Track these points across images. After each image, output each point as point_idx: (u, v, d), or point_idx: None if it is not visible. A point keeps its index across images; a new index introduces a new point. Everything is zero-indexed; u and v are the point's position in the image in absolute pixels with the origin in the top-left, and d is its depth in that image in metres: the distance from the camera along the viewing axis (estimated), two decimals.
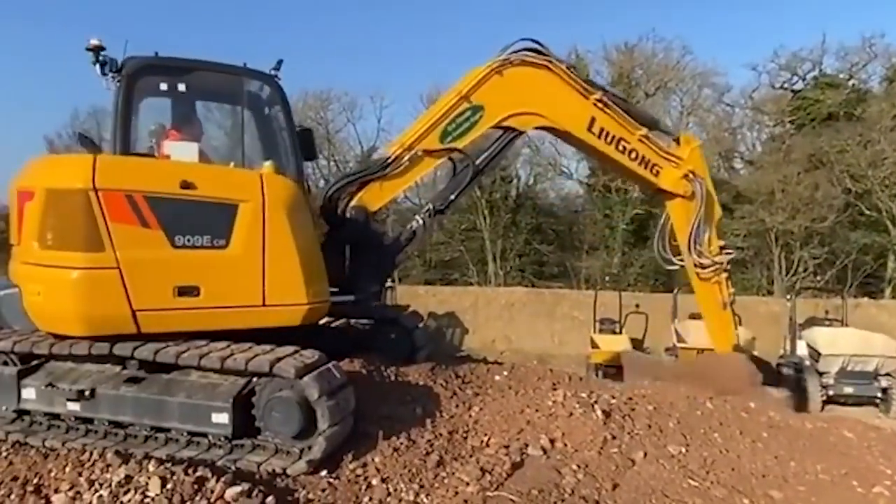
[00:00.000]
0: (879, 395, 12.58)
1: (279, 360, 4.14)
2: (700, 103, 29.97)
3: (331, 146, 29.73)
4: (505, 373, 6.12)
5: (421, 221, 6.39)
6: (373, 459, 4.16)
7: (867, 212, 24.39)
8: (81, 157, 4.58)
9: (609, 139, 6.62)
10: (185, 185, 4.48)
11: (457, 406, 5.09)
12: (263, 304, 4.65)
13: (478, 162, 6.45)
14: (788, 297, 16.57)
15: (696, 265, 7.25)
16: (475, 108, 6.15)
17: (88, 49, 5.01)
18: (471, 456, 4.30)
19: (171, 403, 4.31)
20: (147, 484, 3.48)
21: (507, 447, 4.38)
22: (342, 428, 4.18)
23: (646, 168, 6.92)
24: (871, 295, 22.69)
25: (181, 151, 5.02)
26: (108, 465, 3.68)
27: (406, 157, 6.05)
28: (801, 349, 13.66)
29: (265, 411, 4.18)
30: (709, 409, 5.31)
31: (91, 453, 3.86)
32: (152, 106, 5.58)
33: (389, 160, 6.09)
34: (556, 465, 4.05)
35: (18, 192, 4.58)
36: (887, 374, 12.49)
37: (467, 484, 3.74)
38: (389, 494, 3.76)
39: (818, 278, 24.80)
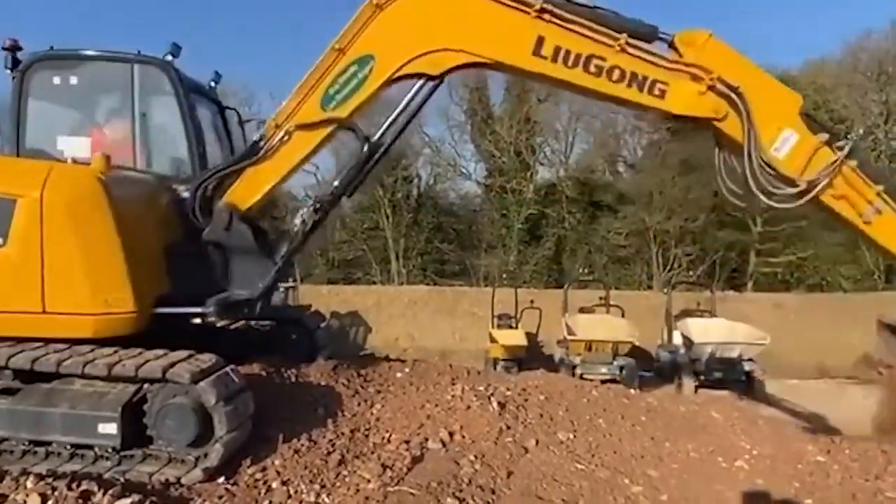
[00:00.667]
0: (743, 378, 13.84)
1: (172, 364, 4.01)
2: (587, 110, 31.57)
3: None
4: (406, 370, 6.22)
5: (301, 219, 5.15)
6: (273, 462, 4.13)
7: (732, 213, 26.72)
8: None
9: (570, 61, 4.60)
10: None
11: (359, 404, 5.14)
12: (43, 311, 4.27)
13: (380, 133, 5.00)
14: (665, 291, 17.99)
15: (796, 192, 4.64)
16: (362, 61, 4.66)
17: (5, 48, 4.94)
18: (372, 453, 4.36)
19: (53, 415, 4.06)
20: (25, 502, 3.28)
21: (407, 442, 4.49)
22: (240, 433, 4.12)
23: (642, 90, 4.67)
24: (736, 288, 24.96)
25: (74, 147, 4.75)
26: None
27: (278, 137, 4.79)
28: (677, 339, 14.83)
29: (158, 419, 4.04)
30: (594, 396, 5.69)
31: None
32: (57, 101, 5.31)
33: (260, 143, 4.88)
34: (455, 457, 4.22)
35: None
36: (749, 360, 13.82)
37: (368, 481, 3.81)
38: (290, 497, 3.76)
39: (691, 273, 26.89)
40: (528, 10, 4.52)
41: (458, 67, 4.80)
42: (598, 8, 4.64)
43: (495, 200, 27.64)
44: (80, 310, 4.29)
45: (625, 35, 4.56)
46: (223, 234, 4.89)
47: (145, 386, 4.17)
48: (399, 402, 5.21)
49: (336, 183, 5.22)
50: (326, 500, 3.73)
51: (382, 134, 5.04)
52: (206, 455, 4.01)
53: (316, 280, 24.11)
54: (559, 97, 30.63)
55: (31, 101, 4.99)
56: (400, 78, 4.79)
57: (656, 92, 4.69)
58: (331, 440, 4.49)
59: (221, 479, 3.94)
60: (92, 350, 4.25)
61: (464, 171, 29.18)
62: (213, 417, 3.96)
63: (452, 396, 5.14)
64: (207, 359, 4.24)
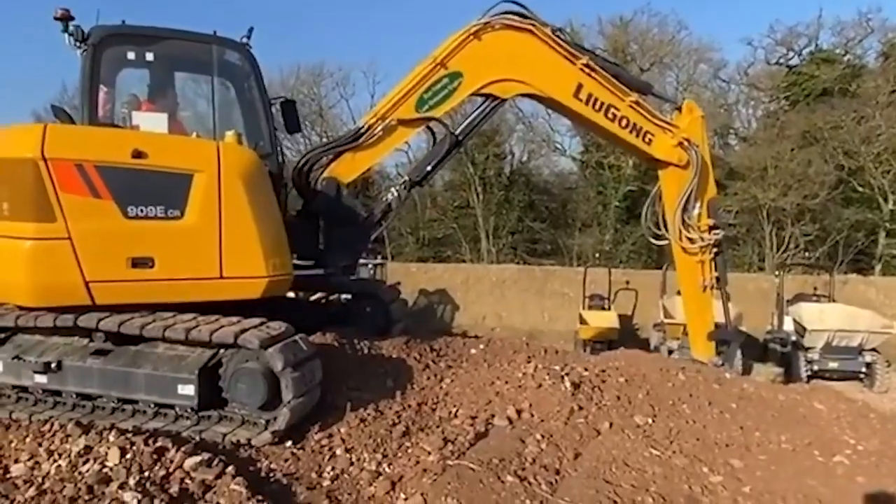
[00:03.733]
0: (863, 370, 12.64)
1: (244, 331, 4.13)
2: (696, 79, 29.73)
3: (323, 122, 29.44)
4: (481, 346, 6.12)
5: (396, 194, 6.20)
6: (338, 430, 4.17)
7: (860, 188, 24.32)
8: (31, 127, 4.54)
9: (597, 106, 6.27)
10: (137, 155, 4.36)
11: (428, 378, 5.10)
12: (221, 277, 4.54)
13: (457, 132, 6.19)
14: (777, 273, 16.67)
15: (681, 239, 6.91)
16: (453, 76, 5.88)
17: (56, 18, 4.94)
18: (437, 427, 4.30)
19: (138, 375, 4.30)
20: (106, 454, 3.48)
21: (473, 418, 4.40)
22: (308, 399, 4.19)
23: (638, 136, 6.52)
24: (862, 272, 22.74)
25: (150, 122, 4.96)
26: (68, 436, 3.68)
27: (380, 127, 5.83)
28: (788, 325, 13.73)
29: (231, 382, 4.19)
30: (681, 380, 5.31)
31: (52, 424, 3.87)
32: (131, 77, 5.53)
33: (362, 130, 5.88)
34: (521, 435, 4.06)
35: None
36: (872, 350, 12.58)
37: (429, 453, 3.75)
38: (352, 464, 3.77)
39: (808, 255, 24.82)
40: (575, 62, 6.17)
41: (520, 95, 6.33)
42: (618, 65, 6.91)
43: (591, 177, 26.71)
44: (255, 273, 4.64)
45: (633, 94, 6.45)
46: (331, 204, 5.74)
47: (221, 351, 4.33)
48: (469, 378, 5.12)
49: (427, 168, 6.27)
50: (387, 469, 3.71)
51: (460, 134, 6.24)
52: (274, 419, 4.11)
53: (406, 258, 24.47)
54: (663, 66, 29.20)
55: (105, 74, 5.13)
56: (478, 94, 6.13)
57: (646, 139, 6.60)
58: (397, 412, 4.48)
59: (289, 443, 4.02)
60: (173, 316, 4.46)
61: (558, 146, 28.40)
62: (280, 382, 4.04)
63: (524, 374, 4.97)
64: (277, 326, 4.33)
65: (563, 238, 26.20)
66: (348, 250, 6.01)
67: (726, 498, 3.40)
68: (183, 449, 3.55)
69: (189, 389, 4.19)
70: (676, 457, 3.88)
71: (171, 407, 4.31)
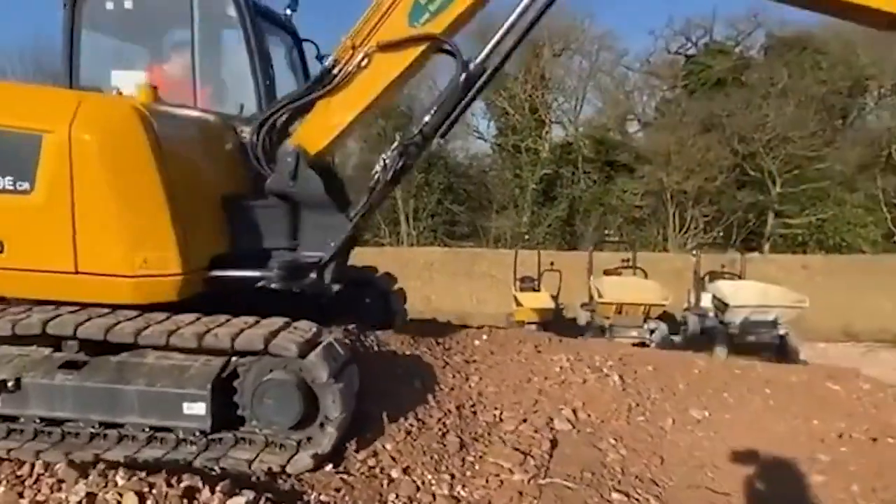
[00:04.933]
0: (777, 342, 13.46)
1: (274, 335, 3.40)
2: (599, 66, 30.59)
3: None
4: (484, 336, 5.67)
5: (383, 164, 4.07)
6: (383, 446, 3.56)
7: (752, 172, 26.12)
8: None
9: None
10: None
11: (453, 377, 4.58)
12: (76, 272, 3.60)
13: (482, 62, 3.89)
14: (694, 252, 17.50)
15: None
16: None
17: None
18: (489, 434, 3.82)
19: (128, 393, 3.45)
20: (119, 502, 2.70)
21: (524, 421, 3.94)
22: (349, 413, 3.54)
23: None
24: (752, 250, 24.50)
25: (128, 82, 4.00)
26: (60, 482, 2.83)
27: (356, 59, 3.85)
28: (705, 302, 14.39)
29: (254, 398, 3.44)
30: (702, 366, 5.15)
31: (32, 466, 2.98)
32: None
33: (332, 69, 3.94)
34: (592, 440, 3.68)
35: None
36: (783, 323, 13.42)
37: (511, 471, 3.25)
38: (419, 489, 3.21)
39: (707, 235, 26.44)
40: None
41: None
42: None
43: (507, 160, 26.83)
44: (115, 270, 3.59)
45: None
46: (289, 182, 4.03)
47: (233, 359, 3.57)
48: (498, 374, 4.66)
49: (426, 119, 4.04)
50: (463, 492, 3.18)
51: (486, 58, 3.90)
52: (309, 439, 3.43)
53: None
54: (574, 52, 29.79)
55: (84, 31, 4.28)
56: None
57: None
58: (439, 419, 3.93)
59: (329, 467, 3.37)
60: (169, 318, 3.63)
61: (475, 130, 28.29)
62: (322, 396, 3.37)
63: (561, 368, 4.58)
64: (307, 327, 3.63)
65: (481, 220, 26.19)
66: (318, 242, 4.22)
67: (844, 499, 3.19)
68: (219, 487, 2.82)
69: (199, 408, 3.40)
70: (758, 454, 3.64)
71: (169, 430, 3.51)
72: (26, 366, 3.55)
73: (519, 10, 3.83)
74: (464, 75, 3.90)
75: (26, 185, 3.52)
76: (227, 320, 3.62)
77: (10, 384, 3.45)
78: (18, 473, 2.92)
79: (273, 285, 4.04)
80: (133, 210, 3.59)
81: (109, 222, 3.56)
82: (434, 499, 3.12)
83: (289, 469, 3.31)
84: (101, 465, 2.91)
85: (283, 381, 3.39)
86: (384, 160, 4.11)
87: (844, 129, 27.51)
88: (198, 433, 3.45)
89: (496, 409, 4.17)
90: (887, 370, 9.87)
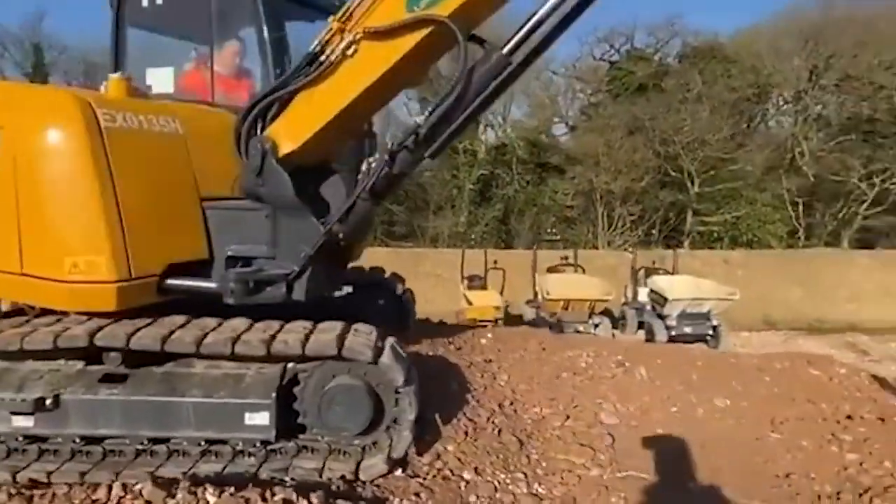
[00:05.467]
0: (710, 332, 14.34)
1: (343, 338, 3.32)
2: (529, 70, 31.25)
3: None
4: (489, 335, 5.77)
5: (368, 167, 3.57)
6: (446, 448, 3.55)
7: (672, 173, 27.56)
8: None
9: None
10: None
11: (481, 376, 4.61)
12: (21, 273, 3.40)
13: (504, 51, 3.11)
14: (630, 250, 18.38)
15: None
16: None
17: None
18: (538, 430, 3.89)
19: (183, 406, 3.26)
20: None
21: (568, 417, 4.05)
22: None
23: None
24: (673, 246, 25.95)
25: (159, 80, 3.77)
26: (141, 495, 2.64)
27: (341, 47, 3.21)
28: (641, 296, 15.17)
29: (320, 404, 3.34)
30: (701, 357, 5.45)
31: (109, 488, 2.76)
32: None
33: (320, 54, 3.31)
34: (641, 433, 3.82)
35: None
36: (716, 315, 14.32)
37: (586, 467, 3.33)
38: (496, 489, 3.22)
39: (633, 233, 27.68)
40: None
41: None
42: None
43: (445, 160, 26.93)
44: (50, 274, 3.34)
45: None
46: (256, 180, 3.54)
47: (289, 366, 3.44)
48: (523, 372, 4.74)
49: (419, 119, 3.33)
50: (541, 489, 3.23)
51: (513, 51, 3.12)
52: (375, 443, 3.38)
53: None
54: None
55: (128, 28, 4.07)
56: None
57: None
58: (488, 418, 3.96)
59: (399, 472, 3.33)
60: (221, 324, 3.46)
61: None
62: (397, 399, 3.32)
63: (587, 364, 4.71)
64: (368, 329, 3.57)
65: (419, 220, 26.18)
66: (291, 253, 3.69)
67: (883, 475, 3.47)
68: (315, 499, 2.73)
69: (262, 418, 3.26)
70: (793, 438, 3.90)
71: (223, 442, 3.34)
72: (61, 381, 3.29)
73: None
74: (497, 63, 3.12)
75: None
76: (282, 326, 3.49)
77: (48, 402, 3.18)
78: (94, 498, 2.70)
79: (228, 300, 3.60)
80: (64, 210, 3.34)
81: (43, 222, 3.35)
82: (515, 498, 3.15)
83: (361, 475, 3.25)
84: (186, 483, 2.73)
85: (351, 386, 3.32)
86: (369, 164, 3.59)
87: (752, 133, 29.59)
88: (258, 444, 3.32)
89: (535, 406, 4.24)
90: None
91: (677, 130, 26.81)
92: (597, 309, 14.24)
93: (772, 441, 3.80)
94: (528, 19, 3.12)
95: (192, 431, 3.28)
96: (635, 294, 15.55)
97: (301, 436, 3.44)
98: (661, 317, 14.20)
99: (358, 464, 3.31)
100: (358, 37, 3.18)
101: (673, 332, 13.82)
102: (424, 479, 3.28)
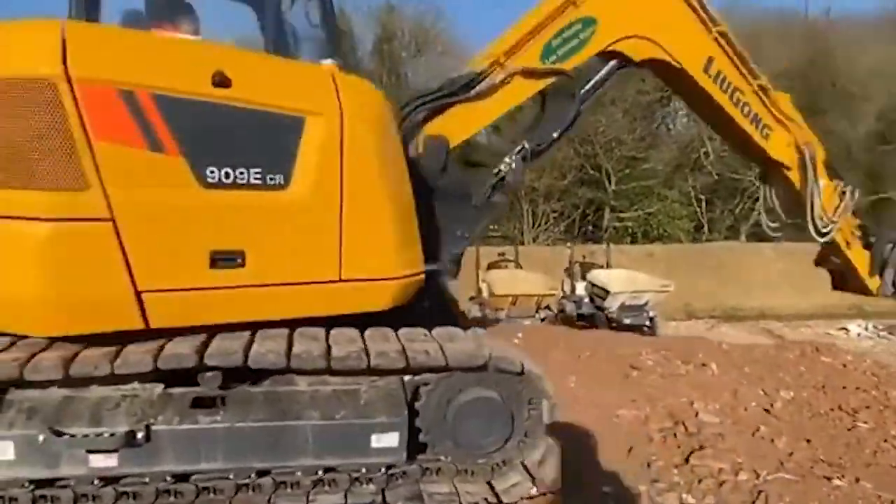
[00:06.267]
0: (647, 323, 14.94)
1: (479, 346, 2.99)
2: (453, 70, 31.27)
3: None
4: (520, 334, 5.58)
5: (512, 165, 4.60)
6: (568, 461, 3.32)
7: (591, 171, 28.57)
8: (36, 23, 2.59)
9: (725, 87, 5.23)
10: (220, 83, 2.71)
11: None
12: (339, 280, 3.03)
13: (582, 91, 4.74)
14: (569, 245, 18.82)
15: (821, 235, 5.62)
16: (586, 21, 4.58)
17: None
18: (639, 434, 3.74)
19: (299, 430, 2.81)
20: None
21: (669, 415, 3.93)
22: None
23: (757, 129, 5.49)
24: (592, 241, 26.97)
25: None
26: None
27: (500, 76, 4.39)
28: (579, 290, 15.61)
29: (450, 419, 2.99)
30: (726, 349, 5.55)
31: None
32: None
33: (478, 78, 4.40)
34: (747, 430, 3.77)
35: None
36: (652, 306, 14.94)
37: (729, 472, 3.22)
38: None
39: (555, 229, 28.46)
40: (709, 28, 5.03)
41: (650, 62, 4.96)
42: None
43: None
44: (383, 274, 3.14)
45: (761, 78, 5.35)
46: (436, 174, 4.14)
47: (406, 378, 3.07)
48: (591, 374, 4.58)
49: (555, 134, 4.77)
50: (690, 499, 3.06)
51: (589, 91, 4.78)
52: (509, 460, 3.09)
53: None
54: (432, 54, 30.15)
55: None
56: (604, 54, 4.76)
57: (764, 133, 5.54)
58: (586, 424, 3.76)
59: (534, 490, 3.06)
60: (329, 335, 3.03)
61: None
62: (532, 410, 3.04)
63: (654, 362, 4.62)
64: (483, 332, 3.26)
65: None
66: (461, 237, 4.37)
67: None
68: None
69: (391, 439, 2.88)
70: (877, 427, 3.99)
71: (333, 469, 2.91)
72: (144, 409, 2.74)
73: (604, 71, 4.82)
74: (578, 103, 4.68)
75: (279, 179, 2.80)
76: (389, 335, 3.14)
77: (139, 435, 2.63)
78: None
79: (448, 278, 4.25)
80: (397, 203, 3.23)
81: (380, 218, 3.09)
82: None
83: (505, 498, 2.95)
84: None
85: (489, 399, 3.00)
86: (512, 161, 4.60)
87: (660, 133, 31.27)
88: (382, 469, 2.93)
89: (621, 408, 4.09)
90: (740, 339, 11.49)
91: (596, 131, 27.81)
92: (542, 304, 14.42)
93: (863, 431, 3.86)
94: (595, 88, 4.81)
95: (311, 459, 2.84)
96: (573, 288, 15.92)
97: (420, 456, 3.08)
98: (601, 309, 14.61)
99: (489, 483, 3.01)
100: (514, 72, 4.43)
101: (613, 325, 14.25)
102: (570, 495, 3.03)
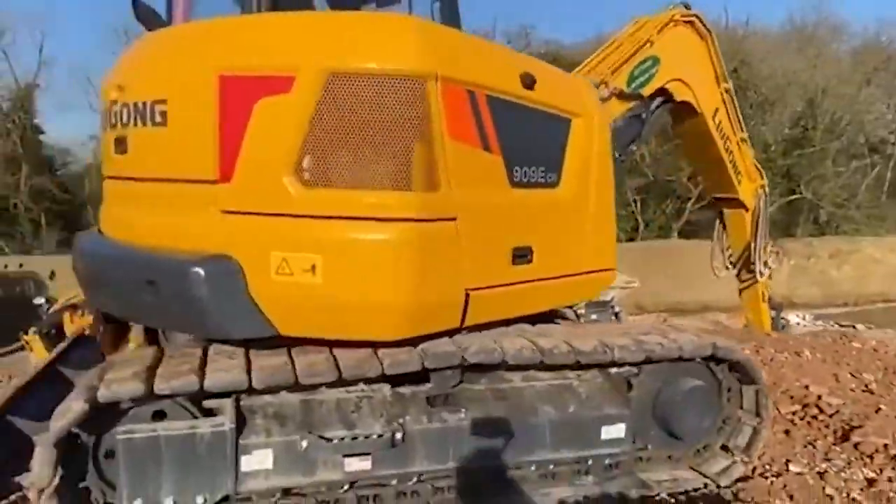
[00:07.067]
0: (612, 318, 15.47)
1: (701, 337, 3.05)
2: None
3: None
4: None
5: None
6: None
7: None
8: (397, 19, 2.65)
9: (722, 134, 5.85)
10: (528, 83, 2.81)
11: None
12: (585, 272, 3.21)
13: (643, 115, 5.07)
14: None
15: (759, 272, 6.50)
16: (655, 59, 5.05)
17: None
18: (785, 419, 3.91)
19: (538, 426, 2.76)
20: None
21: (792, 399, 4.12)
22: None
23: (735, 174, 6.19)
24: None
25: None
26: None
27: (606, 93, 4.60)
28: None
29: (667, 408, 3.02)
30: (808, 341, 5.87)
31: None
32: None
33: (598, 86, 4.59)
34: (866, 414, 3.97)
35: (229, 81, 2.27)
36: (616, 302, 15.51)
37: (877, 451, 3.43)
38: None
39: None
40: (720, 83, 5.67)
41: (681, 104, 5.39)
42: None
43: None
44: (607, 265, 3.37)
45: (741, 133, 6.07)
46: None
47: (612, 370, 3.06)
48: None
49: (634, 147, 5.24)
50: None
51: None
52: (705, 447, 3.16)
53: None
54: None
55: None
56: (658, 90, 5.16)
57: (738, 178, 6.25)
58: None
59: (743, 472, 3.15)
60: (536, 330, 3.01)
61: None
62: (742, 397, 3.13)
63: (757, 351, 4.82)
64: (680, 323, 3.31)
65: None
66: None
67: None
68: None
69: (618, 430, 2.89)
70: None
71: (551, 463, 2.87)
72: (387, 410, 2.59)
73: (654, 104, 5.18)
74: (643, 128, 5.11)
75: (554, 177, 2.93)
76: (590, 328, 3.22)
77: (397, 436, 2.49)
78: None
79: None
80: (612, 198, 3.40)
81: (610, 214, 3.33)
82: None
83: (722, 481, 3.01)
84: None
85: (704, 388, 3.06)
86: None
87: None
88: (608, 459, 2.92)
89: None
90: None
91: None
92: None
93: None
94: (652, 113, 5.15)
95: (547, 453, 2.79)
96: None
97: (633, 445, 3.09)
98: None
99: (714, 468, 3.09)
100: (615, 91, 4.71)
101: (582, 320, 14.66)
102: (772, 478, 3.13)
